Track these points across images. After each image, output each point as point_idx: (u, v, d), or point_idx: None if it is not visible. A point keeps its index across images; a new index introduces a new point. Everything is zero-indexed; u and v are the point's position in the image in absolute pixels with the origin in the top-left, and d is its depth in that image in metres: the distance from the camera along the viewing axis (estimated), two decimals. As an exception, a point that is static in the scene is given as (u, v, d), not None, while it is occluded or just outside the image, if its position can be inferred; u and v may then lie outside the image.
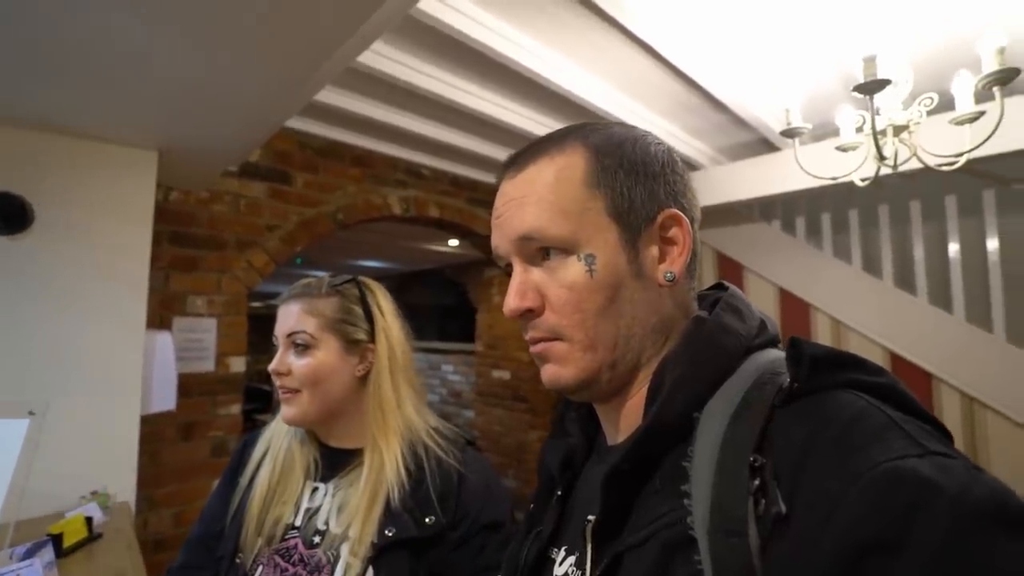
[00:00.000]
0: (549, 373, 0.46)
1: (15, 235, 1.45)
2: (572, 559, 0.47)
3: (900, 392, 0.35)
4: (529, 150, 0.47)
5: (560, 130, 0.48)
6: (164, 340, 1.76)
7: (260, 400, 5.67)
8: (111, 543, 1.30)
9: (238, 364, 2.27)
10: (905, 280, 2.78)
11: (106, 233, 1.59)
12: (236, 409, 2.26)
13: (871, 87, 1.28)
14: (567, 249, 0.44)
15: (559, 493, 0.52)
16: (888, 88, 1.33)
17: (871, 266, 2.90)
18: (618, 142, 0.46)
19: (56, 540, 1.16)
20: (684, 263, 0.45)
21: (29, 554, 1.01)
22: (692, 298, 0.48)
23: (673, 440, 0.40)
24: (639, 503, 0.41)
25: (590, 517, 0.44)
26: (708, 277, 3.46)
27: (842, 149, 1.63)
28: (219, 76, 1.27)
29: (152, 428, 1.93)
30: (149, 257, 1.67)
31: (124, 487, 1.55)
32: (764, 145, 2.77)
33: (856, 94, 1.36)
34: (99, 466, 1.50)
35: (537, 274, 0.45)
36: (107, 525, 1.36)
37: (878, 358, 2.78)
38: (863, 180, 1.64)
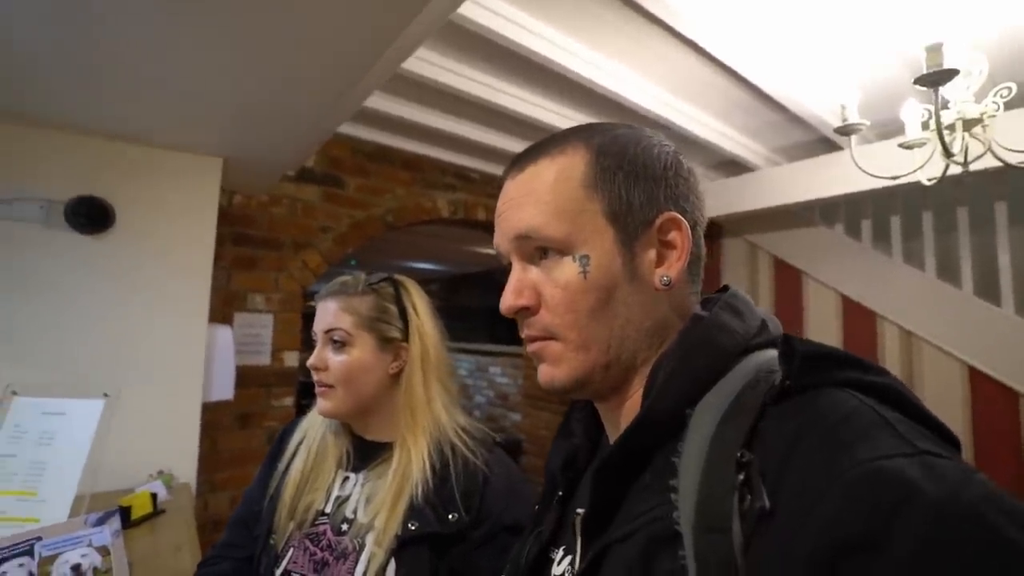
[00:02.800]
0: (544, 373, 0.47)
1: (98, 234, 1.61)
2: (570, 557, 0.47)
3: (901, 394, 0.34)
4: (533, 150, 0.48)
5: (565, 130, 0.49)
6: (224, 334, 1.89)
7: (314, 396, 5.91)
8: (172, 519, 1.41)
9: (292, 359, 2.40)
10: (988, 289, 2.54)
11: (176, 233, 1.73)
12: (289, 401, 2.38)
13: (935, 78, 1.18)
14: (563, 249, 0.44)
15: (560, 494, 0.52)
16: (958, 79, 1.22)
17: (948, 273, 2.67)
18: (621, 144, 0.46)
19: (125, 512, 1.27)
20: (681, 267, 0.45)
21: (100, 522, 1.11)
22: (693, 303, 0.48)
23: (665, 435, 0.40)
24: (629, 497, 0.41)
25: (579, 510, 0.45)
26: (764, 283, 3.30)
27: (906, 147, 1.52)
28: (275, 88, 1.36)
29: (212, 416, 2.07)
30: (213, 256, 1.80)
31: (186, 469, 1.67)
32: (824, 144, 2.62)
33: (922, 87, 1.27)
34: (164, 448, 1.63)
35: (535, 273, 0.46)
36: (170, 503, 1.48)
37: (956, 373, 2.55)
38: (930, 180, 1.51)
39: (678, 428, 0.39)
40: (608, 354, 0.44)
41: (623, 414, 0.47)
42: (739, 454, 0.34)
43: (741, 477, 0.33)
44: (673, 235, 0.45)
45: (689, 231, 0.45)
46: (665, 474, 0.38)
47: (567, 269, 0.44)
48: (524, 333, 0.48)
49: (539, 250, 0.46)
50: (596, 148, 0.45)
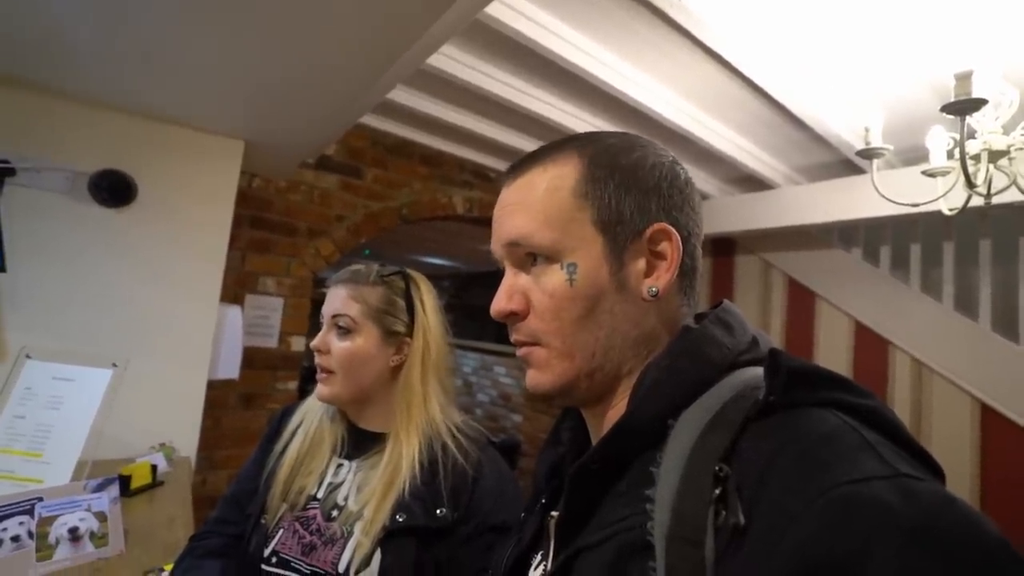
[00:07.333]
0: (530, 378, 0.47)
1: (120, 208, 1.64)
2: (543, 559, 0.47)
3: (886, 418, 0.34)
4: (528, 158, 0.49)
5: (561, 139, 0.49)
6: (234, 314, 1.91)
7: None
8: (170, 491, 1.43)
9: (299, 343, 2.43)
10: (1007, 325, 2.48)
11: (195, 212, 1.76)
12: (293, 385, 2.41)
13: (962, 107, 1.16)
14: (551, 257, 0.45)
15: (543, 501, 0.52)
16: (986, 109, 1.20)
17: (966, 306, 2.62)
18: (614, 153, 0.46)
19: (124, 481, 1.30)
20: (670, 279, 0.44)
21: (100, 488, 1.14)
22: (685, 315, 0.47)
23: (645, 445, 0.40)
24: (604, 504, 0.41)
25: (553, 513, 0.45)
26: (776, 302, 3.27)
27: (930, 174, 1.49)
28: (299, 75, 1.38)
29: (217, 394, 2.10)
30: (228, 237, 1.83)
31: (187, 443, 1.70)
32: (846, 166, 2.59)
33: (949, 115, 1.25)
34: (168, 421, 1.66)
35: (524, 279, 0.47)
36: (169, 475, 1.50)
37: (966, 408, 2.51)
38: (951, 209, 1.49)
39: (658, 438, 0.39)
40: (592, 362, 0.44)
41: (607, 422, 0.47)
42: (716, 468, 0.34)
43: (717, 491, 0.33)
44: (663, 246, 0.45)
45: (680, 243, 0.44)
46: (641, 483, 0.38)
47: (555, 276, 0.44)
48: (513, 338, 0.48)
49: (529, 256, 0.46)
50: (589, 157, 0.46)
